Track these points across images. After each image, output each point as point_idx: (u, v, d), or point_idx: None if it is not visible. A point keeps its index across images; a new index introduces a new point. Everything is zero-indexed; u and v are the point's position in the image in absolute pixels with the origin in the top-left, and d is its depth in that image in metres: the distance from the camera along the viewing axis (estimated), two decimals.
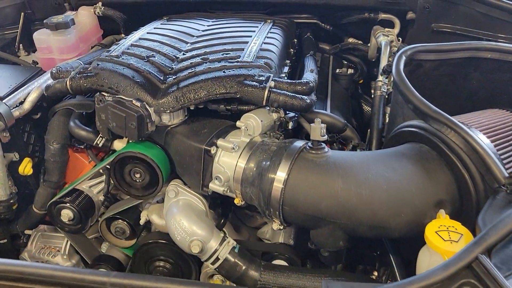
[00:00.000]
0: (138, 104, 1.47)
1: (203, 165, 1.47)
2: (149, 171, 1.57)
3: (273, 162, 1.33)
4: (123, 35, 2.45)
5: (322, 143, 1.32)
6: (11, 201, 1.81)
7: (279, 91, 1.49)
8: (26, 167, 1.83)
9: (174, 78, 1.54)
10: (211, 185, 1.45)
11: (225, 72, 1.55)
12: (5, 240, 1.96)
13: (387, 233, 1.23)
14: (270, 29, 1.98)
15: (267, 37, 1.87)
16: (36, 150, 1.98)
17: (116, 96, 1.53)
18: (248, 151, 1.42)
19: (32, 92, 1.82)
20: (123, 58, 1.67)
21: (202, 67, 1.59)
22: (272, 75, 1.56)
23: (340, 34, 2.50)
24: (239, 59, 1.63)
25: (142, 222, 1.73)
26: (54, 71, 1.70)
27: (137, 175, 1.60)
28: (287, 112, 1.61)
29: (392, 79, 1.54)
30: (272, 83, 1.52)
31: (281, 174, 1.30)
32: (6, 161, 1.77)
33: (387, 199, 1.18)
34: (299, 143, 1.37)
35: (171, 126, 1.57)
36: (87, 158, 1.95)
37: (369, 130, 1.76)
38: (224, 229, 1.66)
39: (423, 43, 1.61)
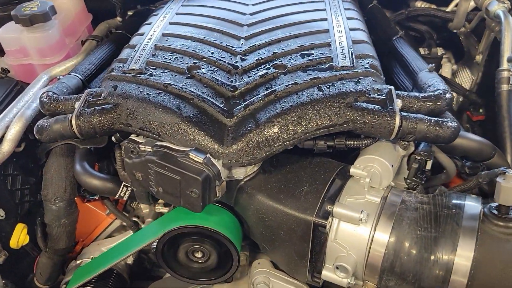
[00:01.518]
0: (201, 158, 0.90)
1: (311, 245, 0.94)
2: (217, 249, 1.04)
3: (442, 242, 0.82)
4: (119, 18, 1.81)
5: None
6: None
7: (412, 116, 0.95)
8: (20, 238, 1.27)
9: (244, 107, 0.98)
10: (327, 274, 0.93)
11: (322, 91, 0.99)
12: None
13: None
14: (341, 3, 1.39)
15: (348, 19, 1.28)
16: (25, 194, 1.41)
17: (159, 144, 0.96)
18: (386, 220, 0.90)
19: (13, 125, 1.22)
20: (151, 74, 1.08)
21: (281, 84, 1.02)
22: (392, 87, 1.01)
23: None
24: (333, 63, 1.06)
25: None
26: (45, 100, 1.10)
27: (198, 254, 1.06)
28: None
29: None
30: (399, 103, 0.97)
31: (462, 264, 0.79)
32: None
33: None
34: (472, 205, 0.86)
35: (245, 180, 1.02)
36: (103, 209, 1.39)
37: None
38: None
39: None
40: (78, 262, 1.33)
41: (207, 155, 0.92)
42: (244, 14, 1.34)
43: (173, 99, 1.01)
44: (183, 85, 1.04)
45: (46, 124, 1.05)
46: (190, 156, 0.91)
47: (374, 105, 0.96)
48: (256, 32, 1.22)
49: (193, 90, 1.03)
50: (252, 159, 0.93)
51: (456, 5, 1.73)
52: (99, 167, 1.35)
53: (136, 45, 1.22)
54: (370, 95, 0.99)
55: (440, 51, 1.68)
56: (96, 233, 1.40)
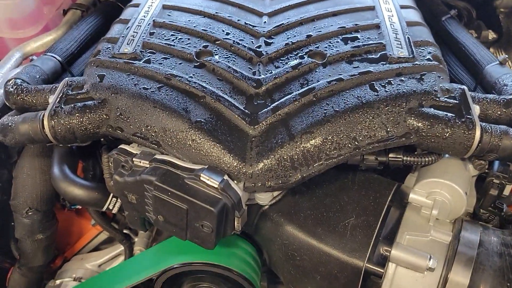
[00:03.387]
0: (216, 182, 0.66)
1: None
2: None
3: None
4: None
5: None
6: None
7: (495, 128, 0.71)
8: None
9: (272, 110, 0.73)
10: None
11: (377, 92, 0.74)
12: None
13: None
14: None
15: None
16: None
17: (160, 159, 0.72)
18: (461, 269, 0.68)
19: None
20: (149, 60, 0.83)
21: (321, 79, 0.77)
22: (465, 88, 0.77)
23: None
24: (386, 53, 0.82)
25: None
26: (10, 90, 0.84)
27: None
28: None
29: None
30: (477, 109, 0.74)
31: None
32: None
33: None
34: None
35: (270, 203, 0.78)
36: (89, 217, 1.16)
37: None
38: None
39: None
40: (57, 282, 1.10)
41: (225, 178, 0.68)
42: None
43: (178, 96, 0.76)
44: (191, 77, 0.79)
45: (10, 123, 0.79)
46: (201, 178, 0.67)
47: (445, 112, 0.72)
48: (282, 7, 0.96)
49: (204, 84, 0.77)
50: (284, 183, 0.69)
51: None
52: (83, 168, 1.11)
53: (130, 19, 0.96)
54: (438, 97, 0.75)
55: (491, 35, 1.42)
56: (80, 245, 1.17)
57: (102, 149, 0.89)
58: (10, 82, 0.86)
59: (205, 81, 0.79)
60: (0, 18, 1.21)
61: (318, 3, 0.97)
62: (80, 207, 1.13)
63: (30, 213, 1.00)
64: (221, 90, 0.77)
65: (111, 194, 0.95)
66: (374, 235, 0.70)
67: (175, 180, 0.69)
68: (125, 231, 1.12)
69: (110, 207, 0.97)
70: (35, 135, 0.78)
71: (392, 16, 0.92)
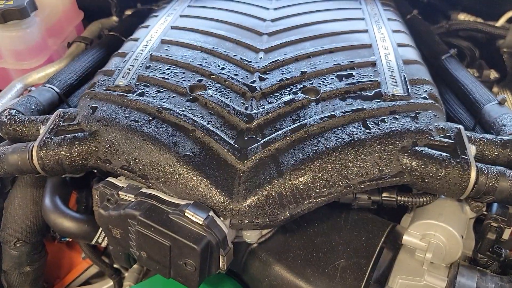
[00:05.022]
0: (201, 218, 0.64)
1: None
2: None
3: None
4: (115, 18, 1.56)
5: None
6: None
7: (492, 169, 0.68)
8: None
9: (262, 146, 0.72)
10: None
11: (369, 129, 0.73)
12: None
13: None
14: (382, 12, 1.14)
15: (393, 31, 1.03)
16: None
17: (145, 193, 0.70)
18: None
19: None
20: (142, 93, 0.83)
21: (313, 116, 0.76)
22: (461, 127, 0.75)
23: (445, 7, 1.65)
24: (381, 90, 0.81)
25: None
26: (4, 120, 0.84)
27: None
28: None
29: None
30: (473, 149, 0.72)
31: None
32: None
33: None
34: None
35: (258, 242, 0.75)
36: (79, 250, 1.13)
37: None
38: None
39: None
40: None
41: (210, 214, 0.66)
42: (264, 20, 1.08)
43: (168, 130, 0.75)
44: (183, 111, 0.78)
45: (0, 154, 0.79)
46: (186, 214, 0.65)
47: (440, 152, 0.70)
48: (279, 43, 0.97)
49: (195, 118, 0.77)
50: (272, 221, 0.67)
51: (509, 20, 1.47)
52: (76, 199, 1.10)
53: (127, 53, 0.97)
54: (433, 136, 0.73)
55: (493, 74, 1.41)
56: (69, 279, 1.14)
57: (93, 181, 0.88)
58: (5, 112, 0.86)
59: (196, 115, 0.78)
60: (4, 49, 1.22)
61: (315, 40, 0.98)
62: (71, 240, 1.10)
63: (18, 245, 0.98)
64: (212, 124, 0.76)
65: (101, 228, 0.94)
66: (365, 279, 0.67)
67: (159, 216, 0.67)
68: (115, 265, 1.09)
69: (99, 241, 0.95)
70: (24, 165, 0.77)
71: (389, 54, 0.92)
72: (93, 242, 0.95)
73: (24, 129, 0.83)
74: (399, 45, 0.96)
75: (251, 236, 0.72)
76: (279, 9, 1.14)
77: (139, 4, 1.60)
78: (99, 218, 0.73)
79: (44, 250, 1.04)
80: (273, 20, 1.08)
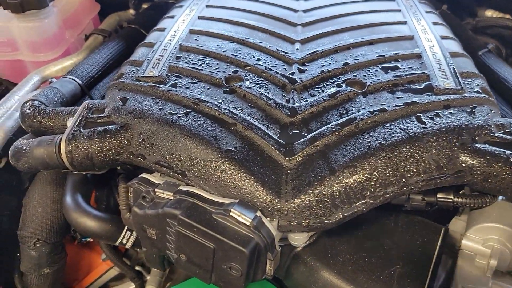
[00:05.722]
0: (248, 218, 0.59)
1: None
2: None
3: None
4: (131, 11, 1.50)
5: None
6: None
7: None
8: None
9: (310, 141, 0.66)
10: None
11: (425, 124, 0.67)
12: None
13: None
14: (418, 5, 1.08)
15: (434, 24, 0.97)
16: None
17: (185, 190, 0.65)
18: None
19: None
20: (175, 84, 0.78)
21: (362, 109, 0.71)
22: None
23: (470, 3, 1.60)
24: (431, 83, 0.75)
25: None
26: (27, 111, 0.79)
27: None
28: None
29: None
30: None
31: None
32: None
33: None
34: None
35: (303, 246, 0.70)
36: (99, 251, 1.08)
37: None
38: None
39: None
40: None
41: (258, 214, 0.61)
42: (295, 10, 1.03)
43: (206, 123, 0.70)
44: (221, 103, 0.73)
45: (25, 147, 0.74)
46: (231, 213, 0.60)
47: (502, 149, 0.65)
48: (315, 34, 0.91)
49: (235, 111, 0.72)
50: (323, 223, 0.62)
51: None
52: (96, 197, 1.04)
53: (155, 43, 0.91)
54: (493, 132, 0.68)
55: None
56: (88, 281, 1.08)
57: (119, 178, 0.83)
58: (27, 103, 0.81)
59: (235, 108, 0.73)
60: (21, 40, 1.17)
61: (353, 31, 0.93)
62: (91, 240, 1.05)
63: (38, 245, 0.93)
64: (253, 117, 0.71)
65: (126, 228, 0.89)
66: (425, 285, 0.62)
67: (202, 215, 0.61)
68: (137, 267, 1.04)
69: (124, 242, 0.90)
70: (50, 160, 0.72)
71: (433, 46, 0.86)
72: (117, 243, 0.90)
73: (48, 122, 0.78)
74: (442, 37, 0.91)
75: (298, 239, 0.67)
76: (310, 0, 1.09)
77: None
78: (133, 217, 0.67)
79: (64, 250, 0.99)
80: (305, 11, 1.03)
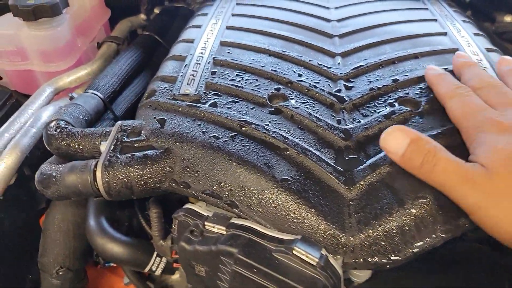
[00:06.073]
0: (314, 257, 0.54)
1: None
2: None
3: None
4: (143, 16, 1.44)
5: None
6: None
7: None
8: None
9: (370, 167, 0.62)
10: None
11: None
12: None
13: None
14: (452, 13, 1.04)
15: (474, 34, 0.93)
16: None
17: (239, 224, 0.60)
18: None
19: (3, 159, 0.86)
20: (215, 104, 0.72)
21: (423, 132, 0.66)
22: None
23: (488, 8, 1.57)
24: None
25: None
26: (53, 132, 0.73)
27: None
28: None
29: None
30: None
31: None
32: None
33: None
34: None
35: (360, 281, 0.65)
36: (121, 274, 1.02)
37: None
38: None
39: None
40: None
41: (323, 252, 0.55)
42: (328, 20, 0.98)
43: (256, 148, 0.64)
44: (267, 125, 0.68)
45: (55, 174, 0.68)
46: (295, 252, 0.55)
47: None
48: (356, 47, 0.86)
49: (284, 134, 0.66)
50: (392, 260, 0.57)
51: None
52: (117, 217, 0.98)
53: (186, 56, 0.85)
54: None
55: None
56: None
57: (150, 202, 0.78)
58: (53, 124, 0.74)
59: (284, 130, 0.67)
60: (32, 50, 1.10)
61: (394, 43, 0.88)
62: (115, 265, 0.99)
63: (60, 273, 0.87)
64: (305, 141, 0.66)
65: (155, 254, 0.83)
66: None
67: (261, 253, 0.56)
68: None
69: (153, 269, 0.85)
70: (84, 188, 0.66)
71: (481, 60, 0.82)
72: (146, 270, 0.85)
73: (78, 144, 0.72)
74: (487, 50, 0.87)
75: (361, 276, 0.62)
76: (340, 8, 1.04)
77: (167, 1, 1.49)
78: (181, 252, 0.62)
79: (86, 277, 0.93)
80: (338, 20, 0.97)
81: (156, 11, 1.45)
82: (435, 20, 0.98)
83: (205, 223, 0.61)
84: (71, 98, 0.91)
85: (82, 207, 0.90)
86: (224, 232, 0.60)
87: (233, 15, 1.02)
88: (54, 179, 0.67)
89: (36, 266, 0.93)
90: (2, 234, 0.97)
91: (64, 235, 0.87)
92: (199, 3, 1.43)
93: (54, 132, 0.72)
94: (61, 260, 0.86)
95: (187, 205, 0.64)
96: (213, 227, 0.60)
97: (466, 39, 0.89)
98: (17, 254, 1.01)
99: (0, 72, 1.17)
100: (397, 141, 0.56)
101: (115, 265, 0.99)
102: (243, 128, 0.67)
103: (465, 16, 1.06)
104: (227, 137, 0.66)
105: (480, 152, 0.53)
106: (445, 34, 0.91)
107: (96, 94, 0.89)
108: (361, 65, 0.80)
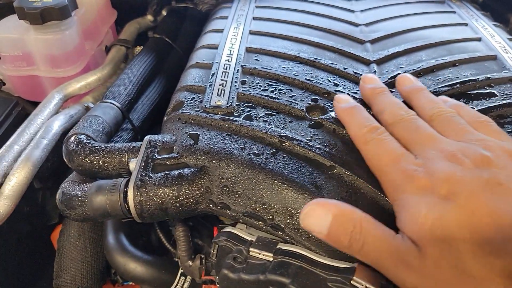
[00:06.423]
0: None
1: None
2: None
3: None
4: (150, 17, 1.38)
5: None
6: None
7: None
8: None
9: None
10: None
11: None
12: None
13: None
14: (482, 17, 1.01)
15: (509, 39, 0.90)
16: None
17: (288, 251, 0.55)
18: None
19: (14, 173, 0.81)
20: (250, 117, 0.68)
21: None
22: None
23: (501, 9, 1.54)
24: None
25: None
26: (75, 148, 0.67)
27: None
28: None
29: None
30: None
31: None
32: None
33: None
34: None
35: None
36: None
37: None
38: None
39: None
40: None
41: (383, 282, 0.51)
42: (356, 24, 0.93)
43: (301, 166, 0.60)
44: (309, 140, 0.63)
45: (80, 194, 0.62)
46: (353, 282, 0.50)
47: None
48: (391, 53, 0.82)
49: (329, 150, 0.62)
50: None
51: None
52: (133, 232, 0.93)
53: (211, 64, 0.80)
54: None
55: None
56: None
57: (176, 220, 0.73)
58: (73, 138, 0.69)
59: (328, 146, 0.63)
60: (39, 55, 1.04)
61: (429, 50, 0.84)
62: (133, 284, 0.94)
63: None
64: (350, 158, 0.62)
65: (179, 273, 0.78)
66: None
67: (316, 284, 0.52)
68: None
69: None
70: (113, 210, 0.61)
71: None
72: None
73: (102, 161, 0.66)
74: None
75: None
76: (366, 11, 1.00)
77: (174, 1, 1.43)
78: (222, 280, 0.57)
79: None
80: (366, 25, 0.93)
81: (164, 12, 1.40)
82: (466, 24, 0.95)
83: (251, 249, 0.56)
84: (88, 108, 0.85)
85: (98, 223, 0.85)
86: (271, 259, 0.55)
87: (254, 18, 0.97)
88: (79, 200, 0.62)
89: (43, 283, 0.88)
90: (9, 250, 0.91)
91: (81, 254, 0.82)
92: (207, 3, 1.38)
93: (75, 148, 0.67)
94: (79, 280, 0.81)
95: (228, 229, 0.59)
96: (259, 253, 0.55)
97: (502, 45, 0.86)
98: (24, 270, 0.96)
99: (4, 78, 1.11)
100: (318, 220, 0.49)
101: (133, 284, 0.94)
102: (284, 144, 0.62)
103: (493, 20, 1.03)
104: (268, 154, 0.61)
105: (405, 221, 0.48)
106: (479, 39, 0.88)
107: (114, 104, 0.83)
108: (399, 74, 0.76)
